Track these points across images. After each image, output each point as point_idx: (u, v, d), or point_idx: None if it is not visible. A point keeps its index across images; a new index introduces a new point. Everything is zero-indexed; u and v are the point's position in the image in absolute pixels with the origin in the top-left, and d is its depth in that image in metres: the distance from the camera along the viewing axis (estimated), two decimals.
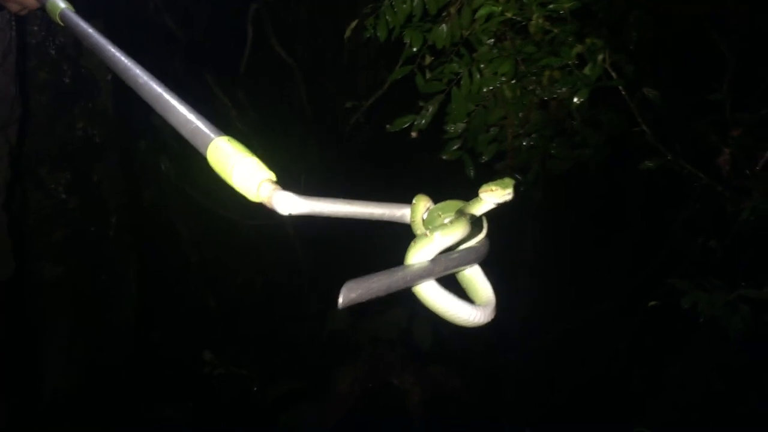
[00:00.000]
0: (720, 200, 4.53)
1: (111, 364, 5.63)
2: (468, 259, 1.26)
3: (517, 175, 5.06)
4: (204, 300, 6.43)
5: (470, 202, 1.40)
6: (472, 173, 5.03)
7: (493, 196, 1.37)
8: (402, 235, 1.39)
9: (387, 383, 6.09)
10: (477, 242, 1.31)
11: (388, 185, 6.37)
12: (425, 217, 1.40)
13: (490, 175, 5.17)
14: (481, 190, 1.40)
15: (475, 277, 1.36)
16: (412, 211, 1.38)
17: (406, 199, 1.50)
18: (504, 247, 1.46)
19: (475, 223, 1.34)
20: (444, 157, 5.09)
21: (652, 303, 4.68)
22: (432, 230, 1.21)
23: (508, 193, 1.36)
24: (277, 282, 6.64)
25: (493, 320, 1.30)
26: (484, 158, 5.06)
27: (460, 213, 1.33)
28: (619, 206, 5.89)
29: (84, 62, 5.23)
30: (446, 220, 1.40)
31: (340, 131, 6.35)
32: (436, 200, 1.51)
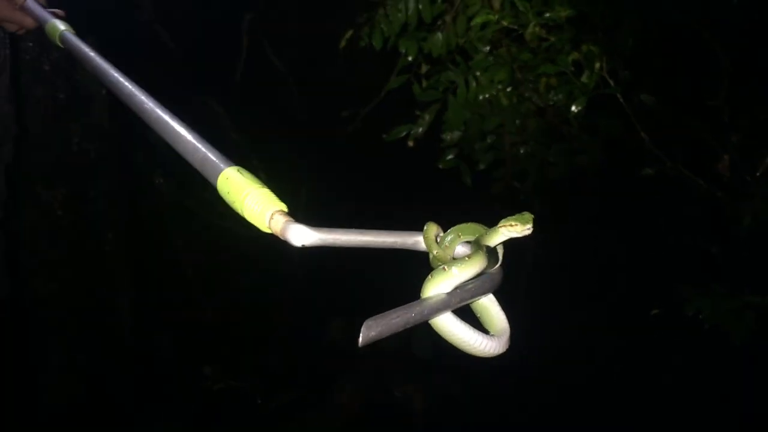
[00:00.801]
0: (720, 206, 4.53)
1: (109, 378, 5.60)
2: (483, 289, 1.26)
3: (516, 183, 5.06)
4: (202, 312, 6.41)
5: (488, 232, 1.40)
6: (469, 181, 5.03)
7: (513, 231, 1.39)
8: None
9: (389, 393, 6.08)
10: (492, 271, 1.31)
11: (386, 195, 6.38)
12: (438, 240, 1.40)
13: (487, 183, 5.18)
14: (501, 225, 1.41)
15: (489, 305, 1.36)
16: (425, 239, 1.37)
17: (405, 210, 1.50)
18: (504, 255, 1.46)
19: (491, 252, 1.34)
20: (440, 166, 5.09)
21: (655, 311, 4.69)
22: (450, 265, 1.22)
23: (528, 228, 1.38)
24: (277, 293, 6.62)
25: (507, 349, 1.32)
26: (481, 166, 5.05)
27: (477, 246, 1.33)
28: (618, 213, 5.89)
29: (79, 77, 5.21)
30: (461, 248, 1.40)
31: (337, 141, 6.34)
32: (437, 217, 1.50)
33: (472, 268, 1.24)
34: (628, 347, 5.90)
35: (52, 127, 5.13)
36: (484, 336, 1.27)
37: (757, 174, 4.35)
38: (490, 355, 1.29)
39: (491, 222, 1.46)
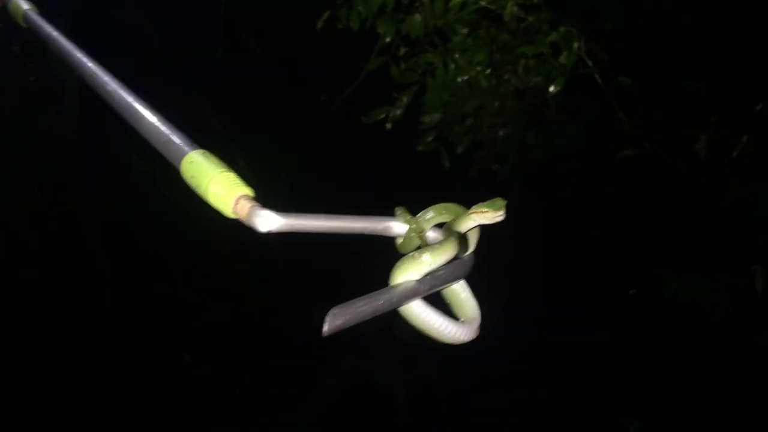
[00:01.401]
0: (698, 187, 4.54)
1: (91, 366, 5.55)
2: (454, 275, 1.23)
3: (495, 166, 5.04)
4: (181, 301, 6.35)
5: (459, 218, 1.37)
6: (447, 164, 5.01)
7: (484, 217, 1.35)
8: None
9: (371, 381, 6.07)
10: (463, 257, 1.27)
11: (364, 178, 6.34)
12: (409, 225, 1.36)
13: (466, 165, 5.15)
14: (472, 210, 1.36)
15: (459, 291, 1.33)
16: (398, 221, 1.34)
17: (383, 193, 1.46)
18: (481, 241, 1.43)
19: (462, 237, 1.31)
20: (420, 149, 5.06)
21: (632, 291, 4.70)
22: (420, 252, 1.19)
23: (500, 216, 1.34)
24: (258, 282, 6.57)
25: (477, 337, 1.28)
26: (460, 149, 5.03)
27: (449, 231, 1.30)
28: (597, 196, 5.89)
29: (50, 60, 5.11)
30: (432, 233, 1.37)
31: (316, 124, 6.29)
32: (416, 200, 1.47)
33: (443, 255, 1.21)
34: (607, 329, 5.92)
35: (23, 113, 5.04)
36: (453, 322, 1.24)
37: (734, 155, 4.36)
38: (459, 342, 1.26)
39: (468, 205, 1.43)
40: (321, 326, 1.00)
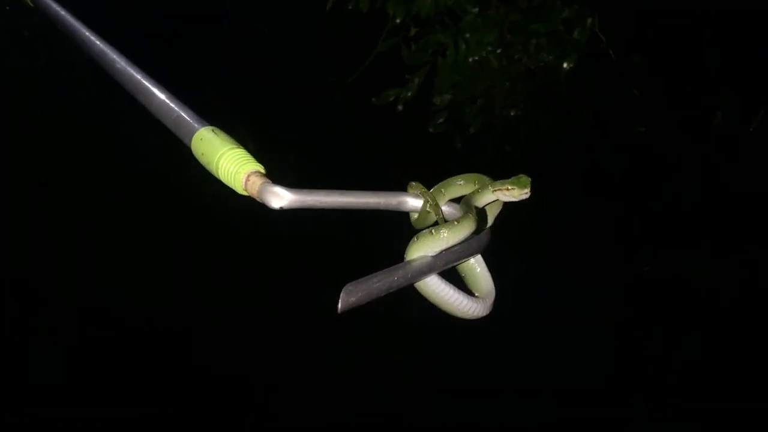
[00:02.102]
0: (713, 163, 4.50)
1: (103, 350, 5.58)
2: (470, 250, 1.20)
3: (507, 147, 5.00)
4: (191, 281, 6.35)
5: (479, 192, 1.34)
6: (459, 145, 4.98)
7: (509, 195, 1.31)
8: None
9: (381, 358, 6.07)
10: (481, 233, 1.25)
11: (374, 160, 6.31)
12: (425, 199, 1.33)
13: (477, 146, 5.12)
14: (495, 187, 1.33)
15: (475, 266, 1.31)
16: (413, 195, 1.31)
17: (394, 176, 1.43)
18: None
19: (480, 212, 1.28)
20: (431, 131, 5.03)
21: (646, 269, 4.68)
22: (437, 228, 1.16)
23: (526, 193, 1.30)
24: (268, 261, 6.57)
25: (491, 312, 1.27)
26: (472, 130, 5.00)
27: (467, 206, 1.27)
28: (610, 174, 5.84)
29: (60, 43, 5.09)
30: (447, 208, 1.35)
31: (325, 106, 6.25)
32: (427, 182, 1.44)
33: (461, 232, 1.18)
34: (618, 308, 5.90)
35: (33, 95, 5.04)
36: (469, 298, 1.23)
37: (750, 129, 4.30)
38: (474, 317, 1.24)
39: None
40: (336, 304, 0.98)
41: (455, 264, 1.22)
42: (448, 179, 1.42)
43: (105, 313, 5.71)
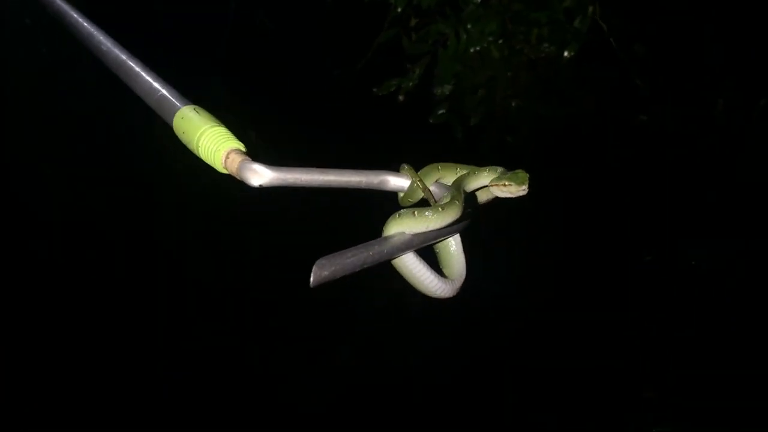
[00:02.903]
0: (715, 151, 4.48)
1: (104, 330, 5.59)
2: (449, 230, 1.21)
3: (508, 137, 4.98)
4: (196, 271, 6.35)
5: (469, 175, 1.33)
6: (460, 136, 4.96)
7: (506, 191, 1.31)
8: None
9: (384, 351, 6.05)
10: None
11: (374, 150, 6.28)
12: (413, 179, 1.32)
13: (478, 137, 5.10)
14: (492, 183, 1.33)
15: (452, 247, 1.30)
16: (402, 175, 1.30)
17: (394, 166, 1.42)
18: (497, 212, 1.39)
19: (468, 197, 1.27)
20: (431, 121, 5.02)
21: (648, 257, 4.66)
22: (422, 209, 1.15)
23: (523, 190, 1.30)
24: (272, 251, 6.55)
25: (457, 295, 1.27)
26: (473, 121, 4.98)
27: (456, 191, 1.25)
28: (612, 164, 5.81)
29: (62, 31, 5.08)
30: (435, 188, 1.35)
31: (326, 96, 6.24)
32: (421, 165, 1.43)
33: (445, 218, 1.17)
34: (623, 298, 5.87)
35: (38, 84, 5.04)
36: (440, 279, 1.23)
37: (752, 118, 4.28)
38: (440, 297, 1.25)
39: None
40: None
41: (432, 243, 1.22)
42: (439, 164, 1.41)
43: (104, 296, 5.72)
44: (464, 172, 1.40)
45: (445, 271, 1.30)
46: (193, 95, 1.42)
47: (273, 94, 6.63)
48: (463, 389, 5.92)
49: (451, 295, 1.26)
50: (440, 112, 4.99)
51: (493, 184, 1.33)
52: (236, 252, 6.63)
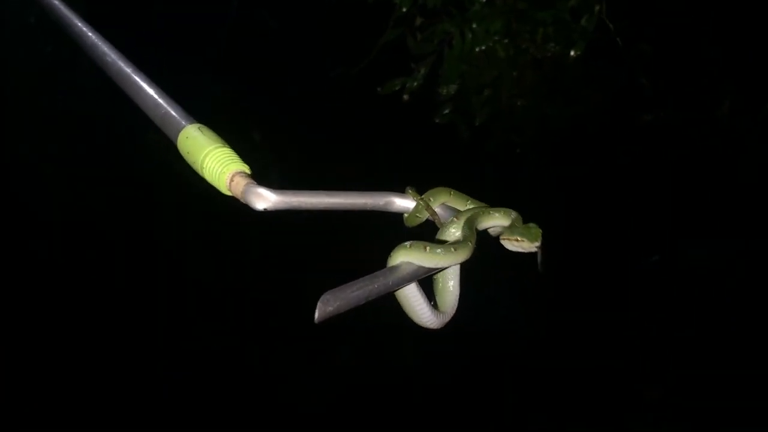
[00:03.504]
0: (719, 152, 4.46)
1: (104, 332, 5.59)
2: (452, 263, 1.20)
3: (513, 137, 4.96)
4: (196, 273, 6.34)
5: (484, 215, 1.31)
6: (465, 136, 4.94)
7: (518, 246, 1.28)
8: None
9: (384, 351, 6.04)
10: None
11: (380, 150, 6.28)
12: (418, 201, 1.31)
13: (483, 137, 5.08)
14: (504, 237, 1.30)
15: (450, 280, 1.28)
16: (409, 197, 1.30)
17: (399, 166, 1.41)
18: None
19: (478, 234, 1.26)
20: (437, 121, 4.99)
21: (654, 258, 4.65)
22: (434, 246, 1.14)
23: (536, 246, 1.26)
24: (272, 253, 6.55)
25: (442, 328, 1.27)
26: (478, 120, 4.96)
27: (470, 231, 1.24)
28: (619, 165, 5.79)
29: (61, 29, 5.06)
30: (441, 210, 1.35)
31: (330, 97, 6.21)
32: (433, 173, 1.42)
33: (455, 258, 1.16)
34: (626, 297, 5.86)
35: (38, 85, 5.03)
36: (432, 311, 1.23)
37: (758, 119, 4.25)
38: (426, 327, 1.25)
39: (485, 182, 1.38)
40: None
41: (435, 273, 1.21)
42: (444, 189, 1.40)
43: (104, 297, 5.72)
44: (474, 205, 1.38)
45: (438, 300, 1.29)
46: (194, 94, 1.40)
47: (275, 93, 6.61)
48: (463, 389, 5.92)
49: (436, 328, 1.26)
50: (445, 111, 4.96)
51: (505, 238, 1.30)
52: (236, 252, 6.61)
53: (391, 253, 1.13)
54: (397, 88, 4.97)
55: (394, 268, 1.11)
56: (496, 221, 1.35)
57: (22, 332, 5.24)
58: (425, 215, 1.31)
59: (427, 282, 1.23)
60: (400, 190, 1.32)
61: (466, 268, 1.28)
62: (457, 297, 1.29)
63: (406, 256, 1.13)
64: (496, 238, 1.34)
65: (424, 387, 5.99)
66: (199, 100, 1.41)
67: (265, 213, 1.09)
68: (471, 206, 1.38)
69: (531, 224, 1.30)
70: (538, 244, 1.27)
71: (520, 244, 1.28)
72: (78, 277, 5.56)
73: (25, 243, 5.20)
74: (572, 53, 4.47)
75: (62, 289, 5.52)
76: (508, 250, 1.32)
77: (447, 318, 1.27)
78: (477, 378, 5.94)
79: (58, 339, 5.56)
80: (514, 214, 1.35)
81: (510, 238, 1.29)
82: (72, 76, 5.19)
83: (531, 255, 1.30)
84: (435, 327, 1.25)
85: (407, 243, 1.14)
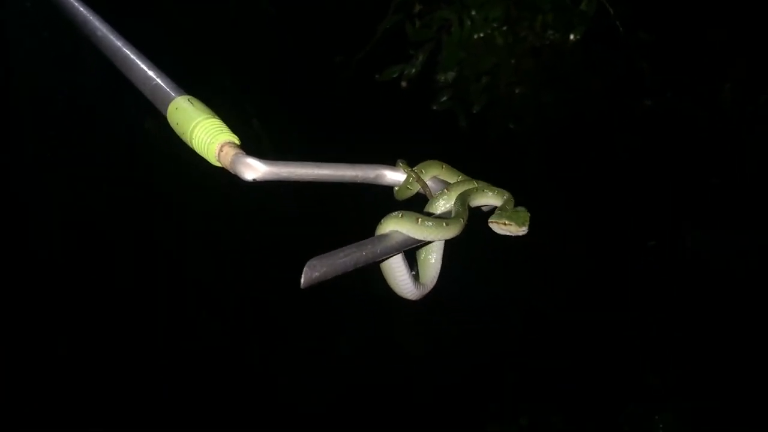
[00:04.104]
0: (722, 138, 4.44)
1: (108, 333, 5.59)
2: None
3: (511, 125, 4.95)
4: (199, 265, 6.33)
5: (477, 192, 1.33)
6: (464, 123, 4.94)
7: (505, 230, 1.30)
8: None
9: (388, 339, 6.04)
10: None
11: (378, 137, 6.25)
12: (409, 174, 1.31)
13: (482, 124, 5.07)
14: (492, 220, 1.32)
15: (434, 253, 1.30)
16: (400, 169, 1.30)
17: (398, 153, 1.41)
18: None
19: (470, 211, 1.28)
20: (435, 108, 4.99)
21: (652, 243, 4.65)
22: (426, 218, 1.15)
23: (523, 230, 1.29)
24: (273, 243, 6.53)
25: (421, 299, 1.30)
26: (476, 108, 4.95)
27: (462, 207, 1.25)
28: (619, 152, 5.77)
29: (63, 23, 5.04)
30: (432, 182, 1.35)
31: (330, 83, 6.20)
32: (432, 155, 1.42)
33: (446, 233, 1.17)
34: (628, 287, 5.85)
35: (40, 78, 5.01)
36: (414, 283, 1.25)
37: (760, 103, 4.23)
38: (406, 298, 1.27)
39: (486, 169, 1.38)
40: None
41: (420, 245, 1.22)
42: (435, 161, 1.40)
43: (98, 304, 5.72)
44: (465, 179, 1.39)
45: (420, 271, 1.31)
46: (192, 81, 1.39)
47: (275, 80, 6.60)
48: (464, 388, 5.91)
49: (416, 299, 1.28)
50: (444, 98, 4.96)
51: (493, 222, 1.32)
52: (236, 252, 6.61)
53: (381, 221, 1.13)
54: (395, 75, 4.97)
55: (383, 236, 1.11)
56: (488, 200, 1.37)
57: (21, 332, 5.24)
58: (416, 187, 1.31)
59: (409, 252, 1.24)
60: (391, 164, 1.32)
61: (454, 244, 1.28)
62: (438, 270, 1.31)
63: (396, 225, 1.13)
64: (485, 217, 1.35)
65: (424, 385, 5.99)
66: (198, 87, 1.40)
67: (254, 183, 1.08)
68: (462, 180, 1.38)
69: (520, 208, 1.33)
70: (525, 229, 1.29)
71: (508, 227, 1.30)
72: (78, 276, 5.56)
73: (25, 242, 5.19)
74: (571, 37, 4.47)
75: (62, 289, 5.51)
76: (495, 233, 1.34)
77: (426, 290, 1.29)
78: (476, 376, 5.94)
79: (58, 338, 5.56)
80: (506, 195, 1.37)
81: (498, 221, 1.31)
82: (70, 75, 5.17)
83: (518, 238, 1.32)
84: (413, 298, 1.27)
85: (397, 213, 1.14)
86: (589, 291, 5.98)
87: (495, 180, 1.44)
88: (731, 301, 5.05)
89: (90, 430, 5.25)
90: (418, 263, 1.31)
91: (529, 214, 1.31)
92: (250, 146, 1.16)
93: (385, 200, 1.35)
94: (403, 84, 4.97)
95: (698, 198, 5.28)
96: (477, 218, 1.36)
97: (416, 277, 1.27)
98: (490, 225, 1.32)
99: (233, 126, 1.20)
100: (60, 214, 5.57)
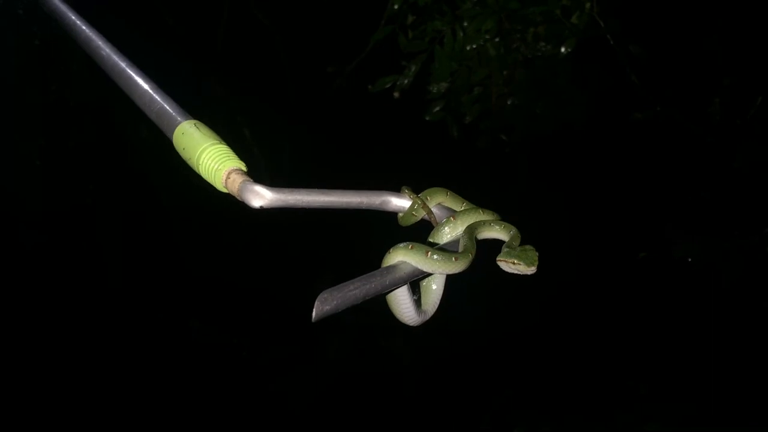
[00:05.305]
0: (711, 150, 4.48)
1: (98, 331, 5.56)
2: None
3: (503, 136, 4.98)
4: (188, 268, 6.32)
5: (484, 226, 1.35)
6: (455, 134, 4.96)
7: (514, 269, 1.32)
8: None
9: (376, 346, 6.06)
10: None
11: (371, 148, 6.27)
12: (414, 201, 1.32)
13: (473, 135, 5.09)
14: (500, 259, 1.33)
15: (437, 281, 1.32)
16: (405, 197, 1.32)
17: (390, 164, 1.42)
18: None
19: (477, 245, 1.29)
20: (427, 119, 5.01)
21: (643, 254, 4.67)
22: (433, 253, 1.16)
23: (532, 270, 1.31)
24: (263, 248, 6.53)
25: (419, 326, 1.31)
26: (468, 119, 4.97)
27: (470, 241, 1.26)
28: (608, 160, 5.80)
29: (54, 22, 5.03)
30: (438, 210, 1.36)
31: (322, 94, 6.21)
32: (423, 170, 1.44)
33: (454, 267, 1.19)
34: (617, 293, 5.88)
35: (28, 75, 4.99)
36: (416, 310, 1.26)
37: (748, 117, 4.27)
38: (405, 323, 1.29)
39: (474, 180, 1.39)
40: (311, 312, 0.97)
41: (428, 276, 1.24)
42: (440, 189, 1.41)
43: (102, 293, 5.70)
44: (470, 207, 1.41)
45: (422, 298, 1.33)
46: (186, 91, 1.40)
47: (267, 90, 6.60)
48: (457, 384, 5.93)
49: (415, 326, 1.30)
50: (436, 109, 4.97)
51: (502, 260, 1.33)
52: (232, 249, 6.61)
53: (390, 251, 1.15)
54: (387, 86, 4.97)
55: (392, 267, 1.12)
56: (495, 234, 1.39)
57: (15, 330, 5.21)
58: (421, 214, 1.32)
59: None
60: (395, 189, 1.33)
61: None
62: (440, 297, 1.33)
63: (405, 257, 1.14)
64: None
65: (416, 382, 6.00)
66: (190, 97, 1.41)
67: (261, 211, 1.09)
68: (467, 208, 1.39)
69: (528, 246, 1.34)
70: (534, 269, 1.31)
71: (517, 266, 1.32)
72: (71, 271, 5.53)
73: (18, 239, 5.16)
74: (563, 50, 4.49)
75: (55, 285, 5.49)
76: (504, 271, 1.35)
77: (427, 317, 1.31)
78: (468, 373, 5.95)
79: (55, 337, 5.53)
80: (513, 230, 1.38)
81: (507, 260, 1.33)
82: (64, 67, 5.15)
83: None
84: (413, 324, 1.29)
85: (406, 243, 1.15)
86: (578, 300, 6.01)
87: (486, 190, 1.45)
88: (718, 307, 5.10)
89: (86, 429, 5.25)
90: (421, 289, 1.33)
91: (537, 254, 1.33)
92: (242, 156, 1.18)
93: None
94: (396, 95, 4.98)
95: (687, 208, 5.32)
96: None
97: (418, 303, 1.29)
98: (499, 263, 1.33)
99: (223, 134, 1.21)
100: (51, 206, 5.54)
